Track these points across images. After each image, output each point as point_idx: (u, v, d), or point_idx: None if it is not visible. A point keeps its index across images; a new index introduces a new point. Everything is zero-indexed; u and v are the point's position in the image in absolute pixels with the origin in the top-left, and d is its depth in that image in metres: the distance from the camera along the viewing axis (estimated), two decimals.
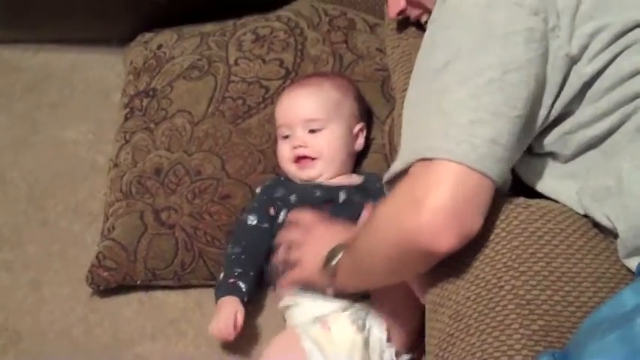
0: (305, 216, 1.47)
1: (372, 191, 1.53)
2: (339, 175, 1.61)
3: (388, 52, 1.57)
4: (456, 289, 1.11)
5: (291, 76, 1.77)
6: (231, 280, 1.53)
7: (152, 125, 1.79)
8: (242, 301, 1.51)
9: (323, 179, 1.59)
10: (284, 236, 1.49)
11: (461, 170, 1.02)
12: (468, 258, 1.10)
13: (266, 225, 1.58)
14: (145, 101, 1.83)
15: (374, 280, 1.20)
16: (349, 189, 1.57)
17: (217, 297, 1.52)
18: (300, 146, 1.58)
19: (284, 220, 1.55)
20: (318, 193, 1.56)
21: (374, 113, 1.71)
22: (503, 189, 1.10)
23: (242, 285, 1.52)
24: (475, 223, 1.04)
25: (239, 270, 1.53)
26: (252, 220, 1.58)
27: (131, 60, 1.95)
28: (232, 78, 1.80)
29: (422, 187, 1.03)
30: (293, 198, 1.57)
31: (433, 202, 1.01)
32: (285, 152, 1.61)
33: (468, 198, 1.03)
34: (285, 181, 1.61)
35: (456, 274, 1.11)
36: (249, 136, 1.72)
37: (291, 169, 1.61)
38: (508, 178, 1.11)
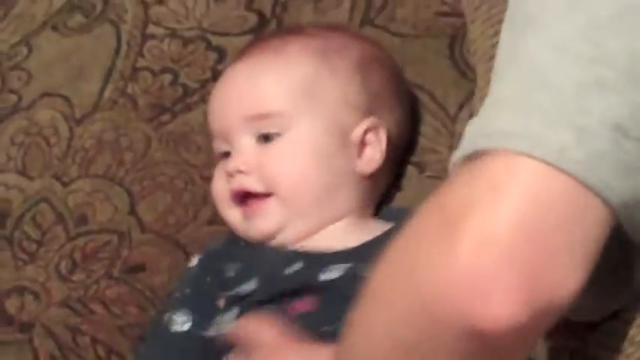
0: (262, 330, 1.09)
1: None
2: (325, 224, 1.16)
3: None
4: None
5: (269, 29, 1.43)
6: None
7: None
8: None
9: (290, 238, 1.16)
10: None
11: (548, 175, 0.73)
12: None
13: (207, 331, 1.17)
14: None
15: None
16: (352, 256, 1.13)
17: None
18: (239, 171, 1.16)
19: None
20: (291, 270, 1.13)
21: (436, 100, 1.32)
22: None
23: None
24: (565, 280, 0.72)
25: None
26: (179, 321, 1.15)
27: None
28: (152, 30, 1.45)
29: (462, 200, 0.74)
30: (254, 283, 1.13)
31: (481, 224, 0.71)
32: (218, 186, 1.20)
33: (555, 227, 0.72)
34: (245, 245, 1.20)
35: None
36: (186, 149, 1.37)
37: (233, 218, 1.18)
38: None
